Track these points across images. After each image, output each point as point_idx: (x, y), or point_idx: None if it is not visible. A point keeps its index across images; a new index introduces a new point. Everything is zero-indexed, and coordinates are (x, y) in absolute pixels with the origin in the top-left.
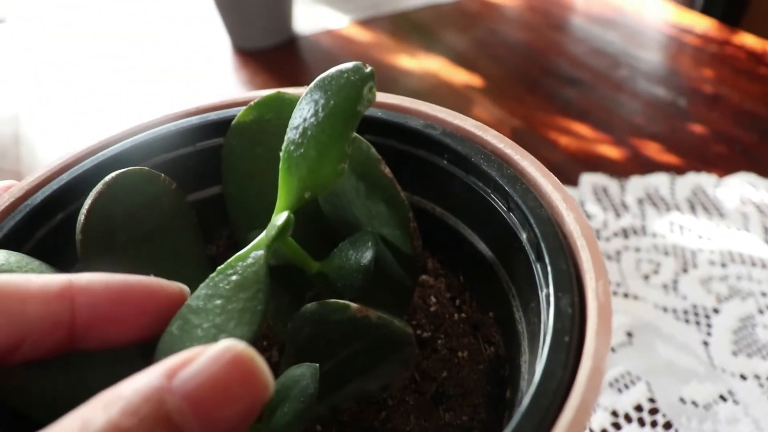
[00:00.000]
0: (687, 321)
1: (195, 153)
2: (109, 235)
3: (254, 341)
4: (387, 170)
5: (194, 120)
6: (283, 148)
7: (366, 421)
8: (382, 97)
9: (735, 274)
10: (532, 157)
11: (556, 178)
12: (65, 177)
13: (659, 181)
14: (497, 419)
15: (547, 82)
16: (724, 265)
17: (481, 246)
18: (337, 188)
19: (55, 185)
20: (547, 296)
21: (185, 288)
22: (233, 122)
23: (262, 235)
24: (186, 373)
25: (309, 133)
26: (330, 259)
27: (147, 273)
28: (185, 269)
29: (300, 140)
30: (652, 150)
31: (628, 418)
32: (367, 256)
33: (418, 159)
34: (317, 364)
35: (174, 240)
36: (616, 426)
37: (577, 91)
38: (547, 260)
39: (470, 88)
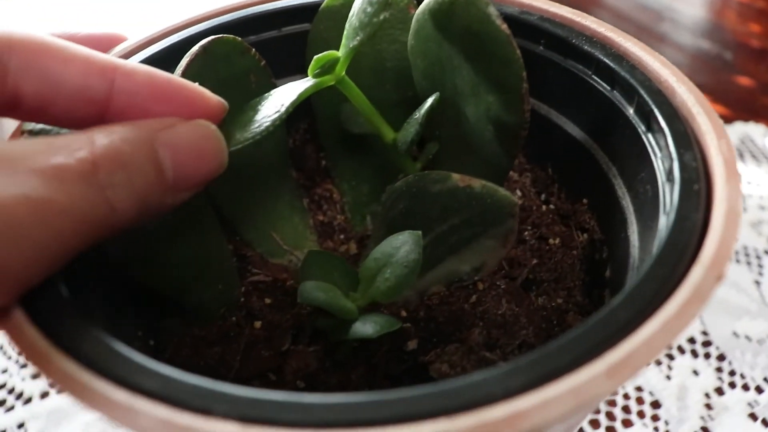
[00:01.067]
0: (738, 261)
1: (280, 38)
2: None
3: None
4: (504, 26)
5: (280, 3)
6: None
7: (455, 305)
8: None
9: None
10: (635, 39)
11: (663, 57)
12: (152, 48)
13: None
14: (595, 300)
15: None
16: None
17: (576, 132)
18: (441, 56)
19: (149, 52)
20: (666, 158)
21: (225, 104)
22: (322, 6)
23: None
24: (172, 130)
25: None
26: (404, 125)
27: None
28: (266, 154)
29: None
30: None
31: (681, 350)
32: (424, 107)
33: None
34: (419, 231)
35: None
36: (670, 357)
37: None
38: (663, 125)
39: None
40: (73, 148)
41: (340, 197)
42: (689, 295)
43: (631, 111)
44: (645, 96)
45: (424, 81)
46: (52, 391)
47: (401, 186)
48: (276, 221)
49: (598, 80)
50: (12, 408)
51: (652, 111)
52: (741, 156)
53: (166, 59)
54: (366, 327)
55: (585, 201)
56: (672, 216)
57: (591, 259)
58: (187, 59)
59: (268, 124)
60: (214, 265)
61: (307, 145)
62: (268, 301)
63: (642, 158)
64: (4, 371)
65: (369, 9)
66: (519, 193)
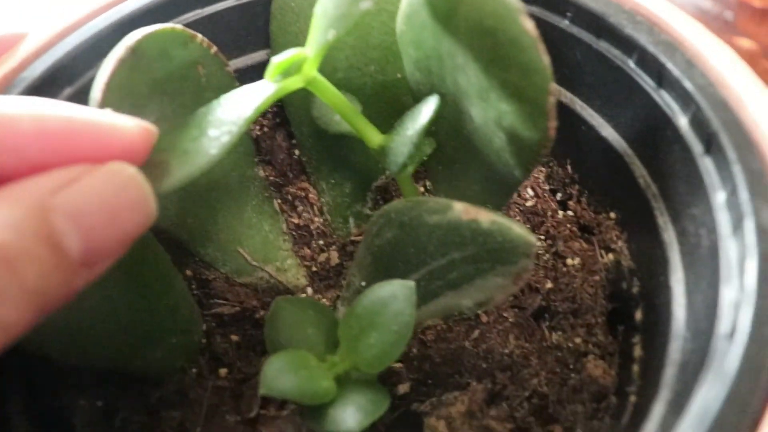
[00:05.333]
0: None
1: (236, 8)
2: (133, 115)
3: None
4: (529, 25)
5: None
6: None
7: (454, 342)
8: None
9: None
10: (695, 21)
11: (733, 51)
12: (71, 40)
13: None
14: (623, 345)
15: None
16: None
17: (607, 131)
18: (440, 49)
19: (59, 51)
20: (732, 204)
21: (151, 128)
22: None
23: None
24: (72, 189)
25: None
26: (393, 130)
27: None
28: (226, 159)
29: None
30: None
31: None
32: (419, 119)
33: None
34: (413, 283)
35: None
36: None
37: None
38: (731, 156)
39: None
40: None
41: (317, 197)
42: None
43: (683, 121)
44: (705, 108)
45: (417, 72)
46: None
47: (389, 212)
48: (242, 233)
49: (641, 73)
50: None
51: (714, 133)
52: None
53: (87, 55)
54: (346, 415)
55: (612, 215)
56: (751, 310)
57: (616, 287)
58: (112, 65)
59: (213, 152)
60: (164, 317)
61: (276, 132)
62: (234, 338)
63: (695, 188)
64: None
65: None
66: (530, 191)
